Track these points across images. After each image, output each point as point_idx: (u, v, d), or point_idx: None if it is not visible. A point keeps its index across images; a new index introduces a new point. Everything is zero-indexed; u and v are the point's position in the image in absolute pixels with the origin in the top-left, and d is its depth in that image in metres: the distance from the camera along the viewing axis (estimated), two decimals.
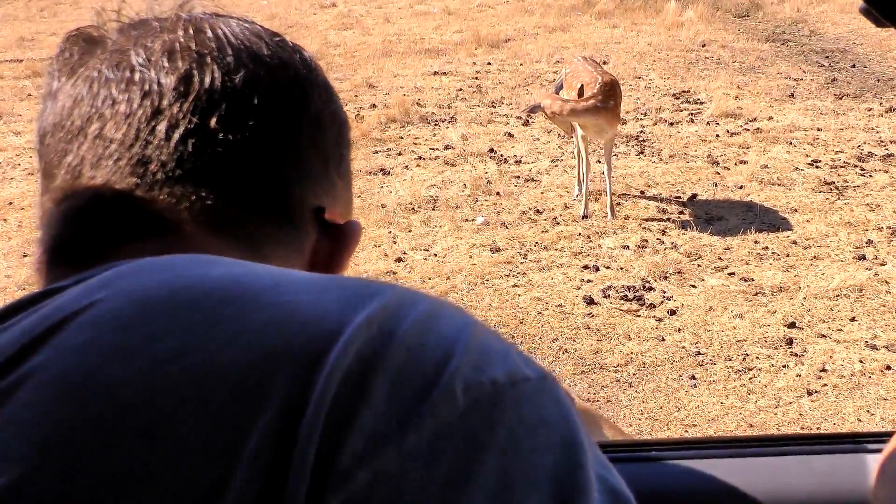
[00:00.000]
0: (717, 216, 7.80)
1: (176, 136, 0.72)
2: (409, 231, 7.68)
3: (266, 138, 0.75)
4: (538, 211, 8.02)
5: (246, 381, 0.54)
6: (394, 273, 6.85)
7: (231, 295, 0.59)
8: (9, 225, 8.00)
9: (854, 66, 11.89)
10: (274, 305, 0.58)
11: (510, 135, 10.22)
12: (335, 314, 0.58)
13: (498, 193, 8.43)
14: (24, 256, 7.17)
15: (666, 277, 6.71)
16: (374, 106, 11.49)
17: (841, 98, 10.64)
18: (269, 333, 0.56)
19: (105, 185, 0.72)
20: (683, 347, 5.82)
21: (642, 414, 5.17)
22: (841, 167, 8.74)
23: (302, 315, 0.57)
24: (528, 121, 10.61)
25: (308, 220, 0.78)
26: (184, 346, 0.55)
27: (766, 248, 7.15)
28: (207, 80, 0.73)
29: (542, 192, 8.51)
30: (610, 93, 7.54)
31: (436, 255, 7.21)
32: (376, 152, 9.90)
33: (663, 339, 5.91)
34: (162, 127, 0.72)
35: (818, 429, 4.98)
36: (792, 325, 6.03)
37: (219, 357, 0.55)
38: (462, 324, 0.61)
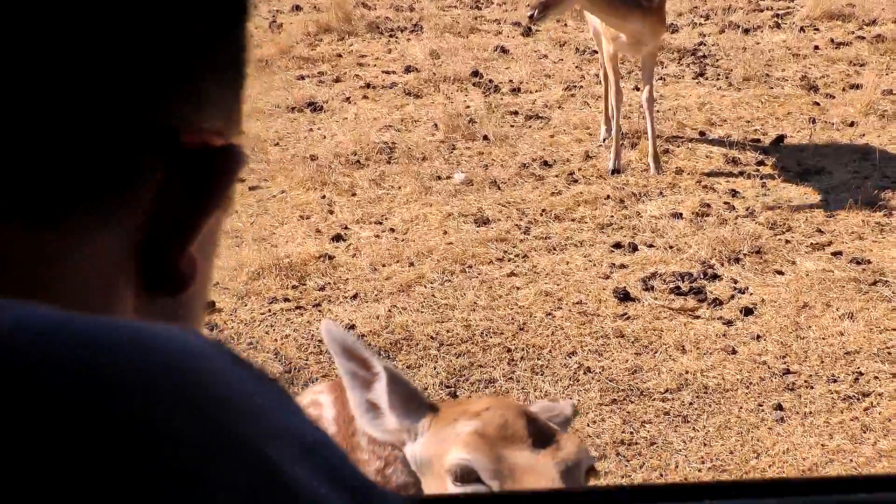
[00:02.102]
0: (816, 168, 7.83)
1: None
2: (353, 195, 7.66)
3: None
4: (546, 163, 8.02)
5: None
6: (330, 258, 6.84)
7: None
8: None
9: None
10: None
11: (503, 50, 10.20)
12: None
13: (486, 138, 8.42)
14: None
15: (738, 260, 6.73)
16: (297, 8, 11.44)
17: None
18: None
19: None
20: (765, 363, 5.85)
21: (703, 462, 5.18)
22: None
23: None
24: (530, 28, 10.59)
25: (147, 151, 0.70)
26: None
27: (891, 214, 7.19)
28: None
29: (551, 136, 8.49)
30: None
31: (393, 230, 7.19)
32: (302, 78, 9.86)
33: (734, 352, 5.93)
34: None
35: None
36: None
37: None
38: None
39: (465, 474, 2.15)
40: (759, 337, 6.04)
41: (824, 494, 1.31)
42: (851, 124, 8.44)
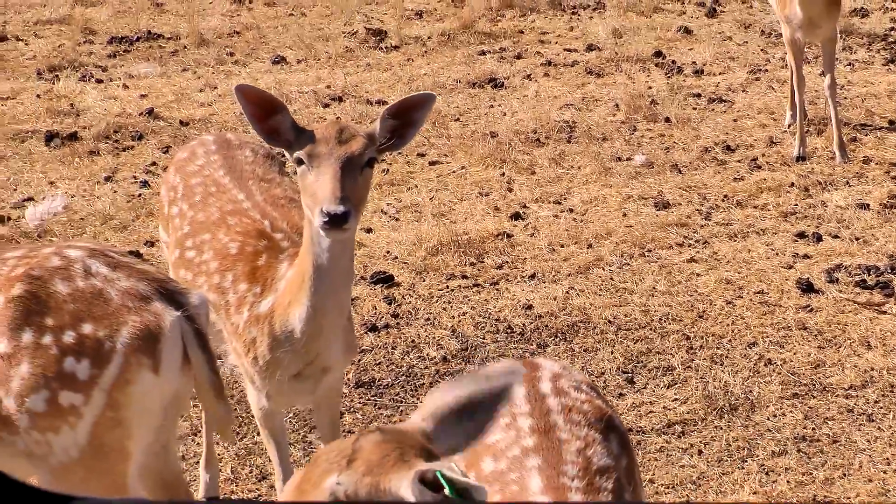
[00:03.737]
0: None
1: None
2: (533, 174, 7.62)
3: None
4: (729, 148, 7.88)
5: None
6: (508, 236, 6.80)
7: None
8: None
9: None
10: None
11: (687, 30, 10.04)
12: None
13: (667, 120, 8.31)
14: None
15: None
16: None
17: None
18: None
19: None
20: None
21: (888, 463, 5.01)
22: None
23: None
24: (714, 8, 10.40)
25: None
26: None
27: None
28: None
29: (734, 120, 8.35)
30: None
31: (572, 210, 7.14)
32: (483, 53, 9.85)
33: None
34: None
35: None
36: None
37: None
38: None
39: None
40: None
41: None
42: None
